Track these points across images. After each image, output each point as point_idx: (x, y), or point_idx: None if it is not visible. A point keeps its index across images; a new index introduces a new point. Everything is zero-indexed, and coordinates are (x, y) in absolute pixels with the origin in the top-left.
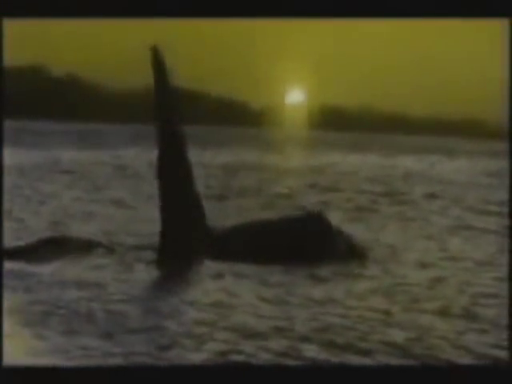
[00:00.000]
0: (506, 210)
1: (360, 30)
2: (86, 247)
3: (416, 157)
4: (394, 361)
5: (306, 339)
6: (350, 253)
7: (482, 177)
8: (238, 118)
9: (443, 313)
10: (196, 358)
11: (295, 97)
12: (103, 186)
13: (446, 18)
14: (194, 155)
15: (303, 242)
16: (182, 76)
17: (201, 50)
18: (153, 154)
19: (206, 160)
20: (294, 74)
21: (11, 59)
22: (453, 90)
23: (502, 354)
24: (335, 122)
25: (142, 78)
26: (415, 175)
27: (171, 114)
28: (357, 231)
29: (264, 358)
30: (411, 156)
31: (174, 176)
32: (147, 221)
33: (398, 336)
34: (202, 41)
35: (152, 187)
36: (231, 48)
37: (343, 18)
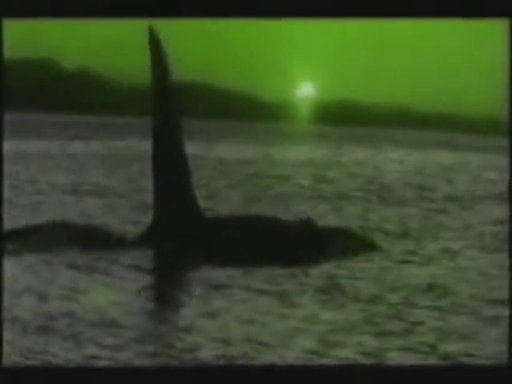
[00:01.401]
0: (492, 204)
1: (370, 27)
2: (46, 241)
3: (417, 151)
4: None
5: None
6: (350, 249)
7: (479, 170)
8: (247, 112)
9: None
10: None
11: (305, 91)
12: (86, 174)
13: (447, 18)
14: (203, 148)
15: (289, 248)
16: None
17: (212, 43)
18: (146, 145)
19: (214, 153)
20: (305, 68)
21: (20, 52)
22: (462, 87)
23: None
24: (344, 117)
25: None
26: (408, 167)
27: (168, 101)
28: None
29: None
30: (415, 150)
31: (168, 167)
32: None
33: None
34: (212, 34)
35: (141, 178)
36: (242, 41)
37: (348, 19)
